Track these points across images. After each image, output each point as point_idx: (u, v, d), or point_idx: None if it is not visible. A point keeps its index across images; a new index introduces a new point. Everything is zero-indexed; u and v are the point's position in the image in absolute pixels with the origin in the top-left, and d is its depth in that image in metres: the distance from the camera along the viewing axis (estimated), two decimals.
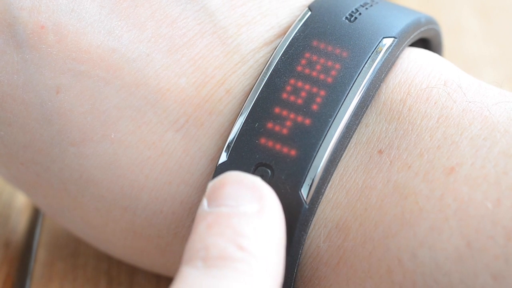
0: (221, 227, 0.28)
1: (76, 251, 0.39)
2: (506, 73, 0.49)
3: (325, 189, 0.30)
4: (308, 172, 0.30)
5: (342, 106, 0.30)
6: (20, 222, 0.41)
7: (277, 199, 0.29)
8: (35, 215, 0.42)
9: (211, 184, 0.30)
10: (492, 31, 0.52)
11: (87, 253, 0.39)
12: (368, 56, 0.31)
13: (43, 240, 0.40)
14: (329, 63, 0.31)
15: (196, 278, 0.27)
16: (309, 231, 0.30)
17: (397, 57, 0.32)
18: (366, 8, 0.32)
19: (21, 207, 0.42)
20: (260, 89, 0.31)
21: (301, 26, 0.32)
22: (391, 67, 0.31)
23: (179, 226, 0.32)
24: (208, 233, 0.28)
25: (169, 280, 0.37)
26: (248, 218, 0.28)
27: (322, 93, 0.31)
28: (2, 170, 0.35)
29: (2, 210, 0.42)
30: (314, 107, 0.30)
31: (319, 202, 0.30)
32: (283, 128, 0.30)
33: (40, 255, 0.39)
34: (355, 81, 0.30)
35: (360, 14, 0.32)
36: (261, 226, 0.28)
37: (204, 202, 0.29)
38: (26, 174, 0.34)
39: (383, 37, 0.31)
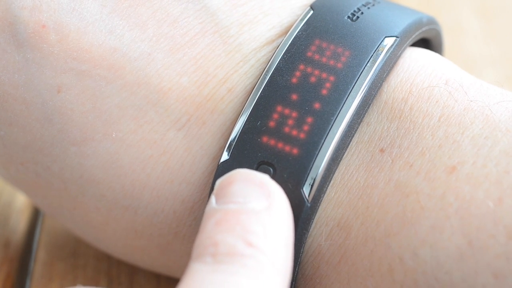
0: (230, 224, 0.28)
1: (76, 251, 0.39)
2: (506, 73, 0.49)
3: (326, 188, 0.30)
4: (310, 171, 0.30)
5: (344, 105, 0.30)
6: (20, 222, 0.41)
7: (285, 196, 0.29)
8: (35, 215, 0.42)
9: (219, 182, 0.30)
10: (492, 31, 0.52)
11: (87, 253, 0.39)
12: (370, 55, 0.31)
13: (43, 240, 0.40)
14: (331, 62, 0.31)
15: (205, 274, 0.27)
16: (310, 230, 0.30)
17: (399, 56, 0.32)
18: (368, 8, 0.32)
19: (21, 207, 0.42)
20: (262, 88, 0.31)
21: (303, 25, 0.32)
22: (393, 66, 0.32)
23: (180, 225, 0.32)
24: (217, 229, 0.28)
25: (169, 280, 0.37)
26: (256, 215, 0.28)
27: (324, 92, 0.31)
28: (1, 171, 0.35)
29: (2, 210, 0.42)
30: (316, 105, 0.30)
31: (321, 201, 0.30)
32: (285, 127, 0.30)
33: (40, 255, 0.39)
34: (357, 80, 0.30)
35: (362, 13, 0.32)
36: (270, 222, 0.28)
37: (213, 199, 0.29)
38: (26, 174, 0.34)
39: (385, 37, 0.31)
